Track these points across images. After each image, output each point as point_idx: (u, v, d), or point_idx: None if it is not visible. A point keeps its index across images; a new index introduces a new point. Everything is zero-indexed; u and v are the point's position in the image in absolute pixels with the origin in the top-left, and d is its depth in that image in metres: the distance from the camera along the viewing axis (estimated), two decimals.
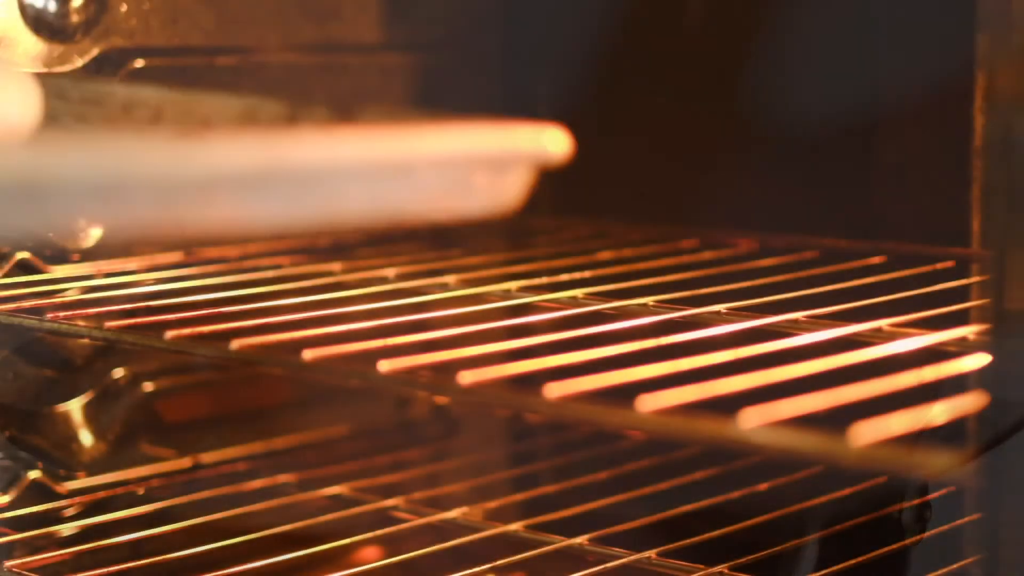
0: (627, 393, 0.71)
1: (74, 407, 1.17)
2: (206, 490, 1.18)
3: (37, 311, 0.95)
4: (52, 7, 1.14)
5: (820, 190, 1.24)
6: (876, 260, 1.11)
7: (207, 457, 1.25)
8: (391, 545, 1.15)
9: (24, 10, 1.12)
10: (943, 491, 1.12)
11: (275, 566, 1.02)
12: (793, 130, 1.25)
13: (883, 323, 0.86)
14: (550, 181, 1.41)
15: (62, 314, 0.93)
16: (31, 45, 1.13)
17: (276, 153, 0.62)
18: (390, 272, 1.08)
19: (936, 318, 0.88)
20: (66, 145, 0.59)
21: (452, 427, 1.38)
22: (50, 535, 1.11)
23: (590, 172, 1.33)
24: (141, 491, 1.19)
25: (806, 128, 1.25)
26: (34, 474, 1.13)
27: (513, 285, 1.02)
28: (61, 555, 1.07)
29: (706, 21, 1.29)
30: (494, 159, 0.72)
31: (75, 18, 1.15)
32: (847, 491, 1.12)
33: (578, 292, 1.00)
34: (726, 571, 0.98)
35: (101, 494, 1.17)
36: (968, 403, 0.68)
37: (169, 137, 0.62)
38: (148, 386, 1.22)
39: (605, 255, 1.14)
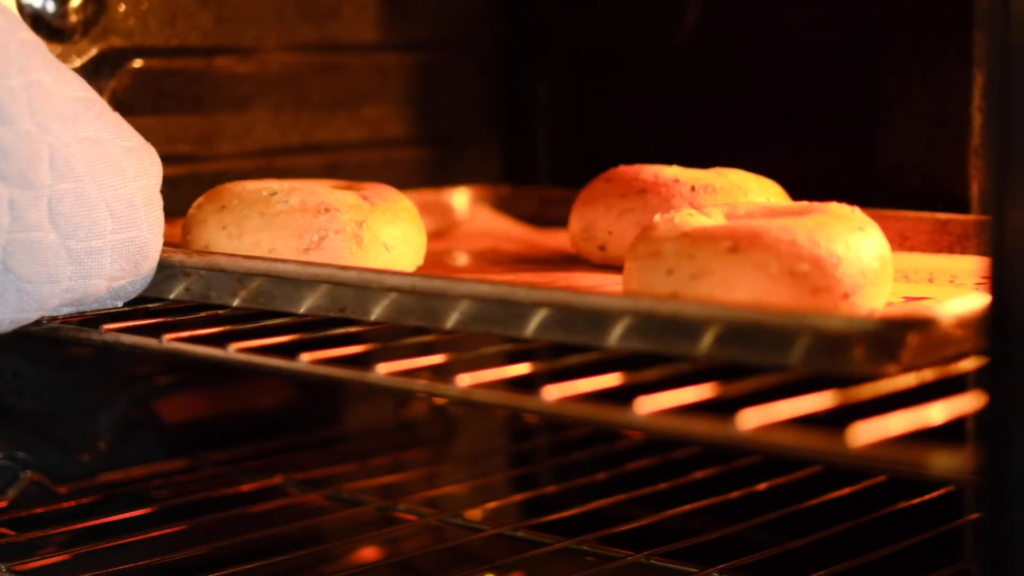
0: (626, 394, 0.71)
1: (74, 407, 1.17)
2: (206, 490, 1.18)
3: None
4: (50, 7, 1.13)
5: (819, 188, 1.24)
6: None
7: (207, 457, 1.25)
8: (391, 545, 1.15)
9: (22, 10, 1.12)
10: (943, 491, 1.12)
11: (275, 566, 1.01)
12: (792, 128, 1.25)
13: None
14: (548, 179, 1.42)
15: (61, 316, 0.93)
16: None
17: None
18: None
19: None
20: None
21: (451, 427, 1.38)
22: (50, 536, 1.10)
23: (589, 170, 1.34)
24: (141, 491, 1.19)
25: (805, 125, 1.25)
26: (34, 474, 1.13)
27: None
28: (60, 556, 1.07)
29: (707, 20, 1.29)
30: None
31: (73, 18, 1.15)
32: (846, 491, 1.13)
33: None
34: (726, 571, 0.98)
35: (101, 494, 1.17)
36: (967, 403, 0.68)
37: None
38: (148, 386, 1.22)
39: None
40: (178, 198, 1.21)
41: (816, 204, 0.88)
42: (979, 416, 0.64)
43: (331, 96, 1.31)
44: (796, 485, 1.14)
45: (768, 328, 0.72)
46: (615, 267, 1.01)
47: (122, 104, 1.18)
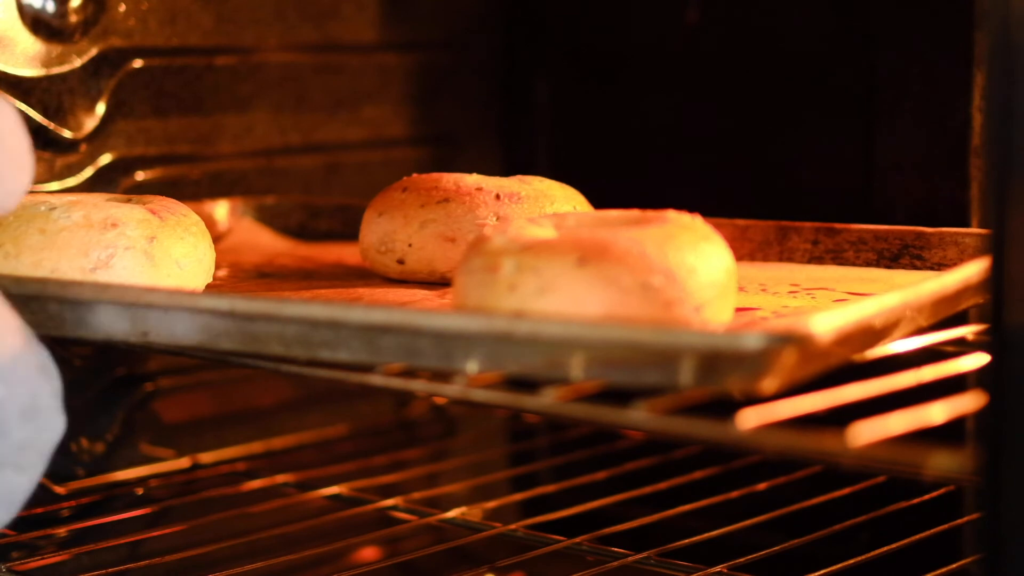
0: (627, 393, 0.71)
1: (74, 407, 1.17)
2: (206, 490, 1.18)
3: None
4: (50, 7, 1.14)
5: (819, 189, 1.24)
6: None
7: (207, 457, 1.25)
8: (391, 545, 1.15)
9: (22, 10, 1.12)
10: (943, 491, 1.12)
11: (275, 566, 1.01)
12: (791, 129, 1.25)
13: None
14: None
15: None
16: (29, 45, 1.13)
17: None
18: None
19: None
20: None
21: (451, 427, 1.38)
22: (49, 536, 1.11)
23: (588, 170, 1.34)
24: (140, 491, 1.19)
25: (804, 126, 1.25)
26: None
27: None
28: (60, 556, 1.07)
29: (707, 21, 1.29)
30: None
31: (73, 18, 1.15)
32: (846, 491, 1.13)
33: None
34: (725, 571, 0.98)
35: (100, 495, 1.17)
36: (967, 403, 0.68)
37: None
38: (148, 386, 1.22)
39: None
40: (178, 198, 1.21)
41: (651, 212, 0.84)
42: (979, 416, 0.64)
43: (331, 96, 1.31)
44: (796, 485, 1.14)
45: (656, 348, 0.68)
46: (415, 282, 0.99)
47: (122, 104, 1.19)
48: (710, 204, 1.06)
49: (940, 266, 1.00)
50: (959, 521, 1.09)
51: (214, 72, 1.24)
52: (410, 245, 0.98)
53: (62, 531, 1.11)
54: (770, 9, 1.25)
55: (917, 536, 1.03)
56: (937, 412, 0.68)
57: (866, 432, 0.65)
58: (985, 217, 0.64)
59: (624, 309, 0.74)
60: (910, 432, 0.66)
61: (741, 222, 1.06)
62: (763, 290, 0.94)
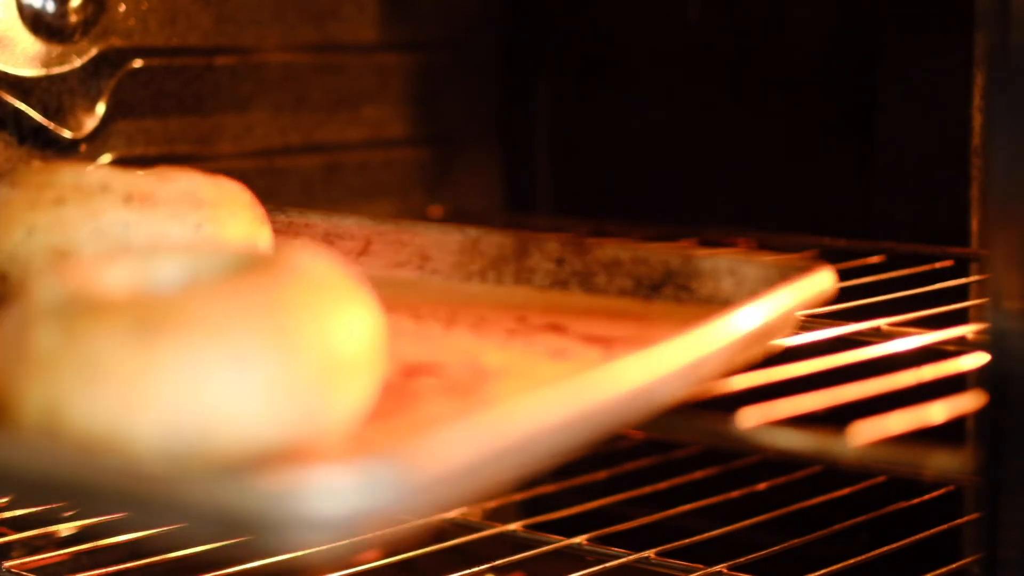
0: None
1: None
2: None
3: None
4: (50, 7, 1.14)
5: (819, 189, 1.24)
6: (875, 259, 1.11)
7: None
8: (391, 545, 1.15)
9: (22, 10, 1.12)
10: (943, 491, 1.12)
11: (275, 566, 1.01)
12: (792, 128, 1.25)
13: (882, 322, 0.86)
14: (548, 181, 1.42)
15: None
16: (29, 45, 1.13)
17: None
18: None
19: (935, 317, 0.88)
20: None
21: None
22: (48, 535, 1.10)
23: (588, 171, 1.34)
24: None
25: (805, 126, 1.25)
26: None
27: None
28: (59, 555, 1.07)
29: (707, 19, 1.29)
30: None
31: (73, 18, 1.15)
32: (846, 491, 1.13)
33: None
34: (725, 571, 0.98)
35: None
36: (967, 402, 0.68)
37: None
38: None
39: None
40: None
41: (280, 249, 0.60)
42: (979, 416, 0.64)
43: (331, 96, 1.31)
44: (796, 485, 1.14)
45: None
46: None
47: (122, 104, 1.19)
48: (709, 202, 1.06)
49: (711, 300, 0.80)
50: (959, 521, 1.09)
51: (214, 72, 1.24)
52: (13, 259, 0.75)
53: (62, 531, 1.11)
54: (771, 10, 1.25)
55: (917, 536, 1.03)
56: (937, 412, 0.68)
57: (866, 432, 0.65)
58: (985, 217, 0.64)
59: (204, 400, 0.50)
60: (910, 432, 0.66)
61: (473, 231, 0.88)
62: (477, 326, 0.76)
